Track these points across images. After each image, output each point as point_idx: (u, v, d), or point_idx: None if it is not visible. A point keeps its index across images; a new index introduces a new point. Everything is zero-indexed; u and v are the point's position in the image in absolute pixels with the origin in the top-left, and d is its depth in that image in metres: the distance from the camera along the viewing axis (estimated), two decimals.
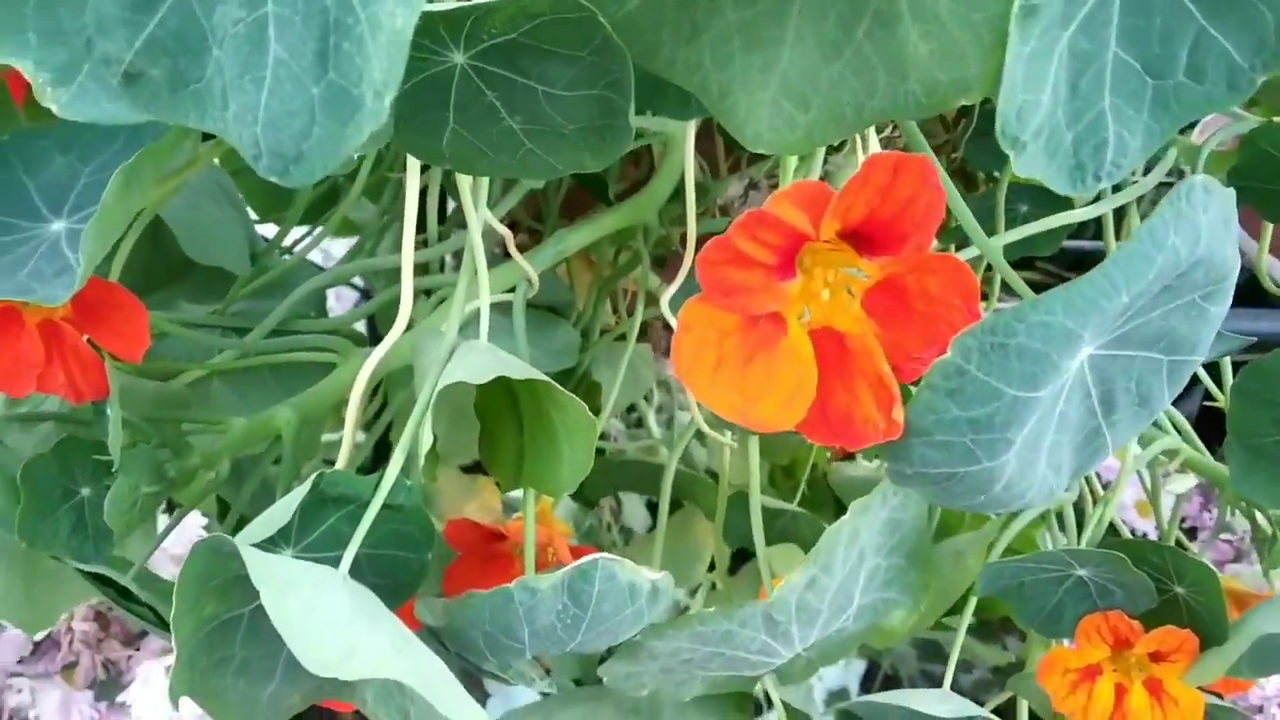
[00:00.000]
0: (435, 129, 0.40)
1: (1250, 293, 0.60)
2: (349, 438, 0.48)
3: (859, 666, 1.26)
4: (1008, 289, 0.54)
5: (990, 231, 0.56)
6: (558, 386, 0.43)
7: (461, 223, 0.72)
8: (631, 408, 0.94)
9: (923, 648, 1.26)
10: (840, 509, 0.81)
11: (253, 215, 0.73)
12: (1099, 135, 0.31)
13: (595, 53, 0.38)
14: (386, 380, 0.66)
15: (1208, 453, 0.60)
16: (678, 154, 0.59)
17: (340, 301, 1.15)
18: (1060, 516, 0.60)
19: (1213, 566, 0.52)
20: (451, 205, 0.73)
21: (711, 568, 0.76)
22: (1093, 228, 0.78)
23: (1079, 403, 0.37)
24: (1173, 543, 0.60)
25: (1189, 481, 0.59)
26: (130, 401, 0.47)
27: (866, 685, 1.22)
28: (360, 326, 0.70)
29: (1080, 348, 0.35)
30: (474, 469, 0.74)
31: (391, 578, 0.45)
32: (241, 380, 0.61)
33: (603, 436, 0.89)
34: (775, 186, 0.69)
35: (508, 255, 0.56)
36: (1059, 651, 0.53)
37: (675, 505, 0.77)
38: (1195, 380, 0.53)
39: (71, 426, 0.50)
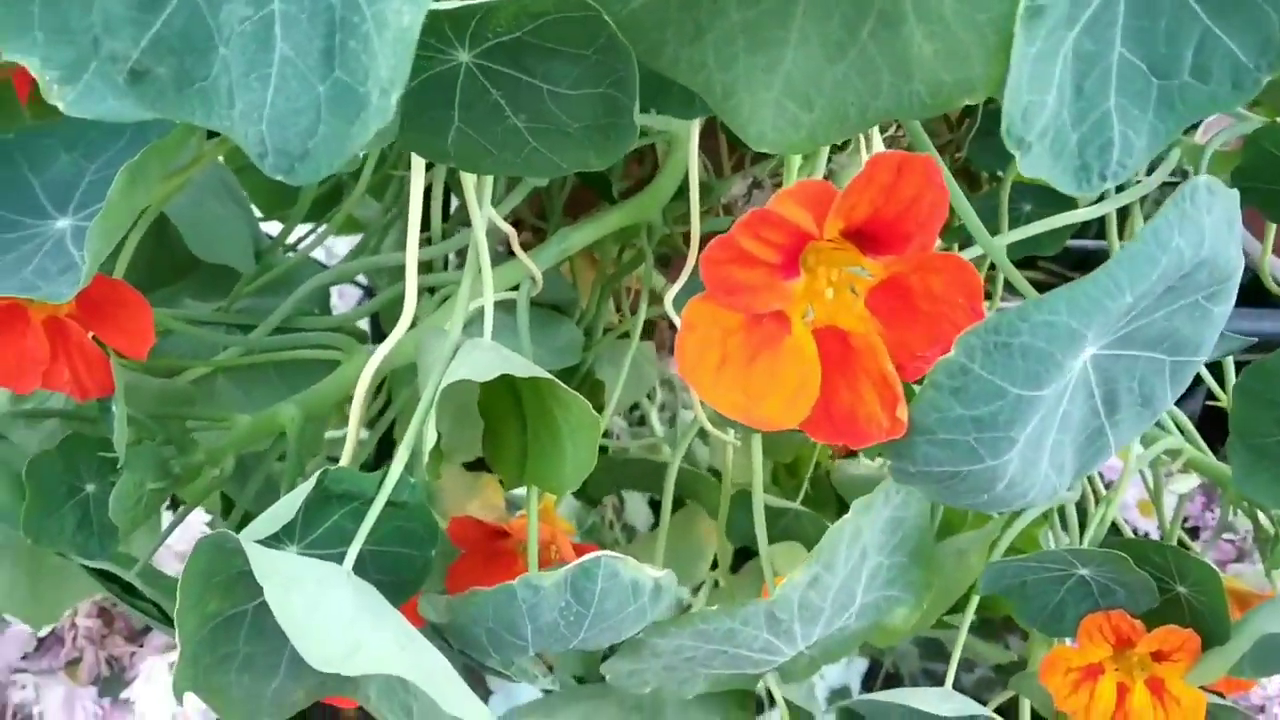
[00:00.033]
0: (440, 127, 0.40)
1: (1253, 293, 0.60)
2: (353, 435, 0.48)
3: (860, 665, 1.26)
4: (1010, 288, 0.54)
5: (994, 231, 0.56)
6: (561, 384, 0.43)
7: (464, 221, 0.72)
8: (634, 406, 0.94)
9: (924, 646, 1.26)
10: (843, 507, 0.81)
11: (256, 213, 0.73)
12: (1104, 135, 0.31)
13: (600, 51, 0.38)
14: (390, 378, 0.66)
15: (1210, 453, 0.60)
16: (682, 152, 0.59)
17: (343, 299, 1.15)
18: (1063, 516, 0.60)
19: (1214, 566, 0.52)
20: (454, 203, 0.73)
21: (714, 566, 0.76)
22: (1095, 227, 0.78)
23: (1082, 402, 0.37)
24: (1175, 542, 0.60)
25: (1192, 481, 0.59)
26: (135, 398, 0.48)
27: (868, 683, 1.22)
28: (363, 324, 0.70)
29: (1084, 347, 0.35)
30: (477, 466, 0.74)
31: (395, 574, 0.45)
32: (246, 377, 0.61)
33: (605, 434, 0.89)
34: (779, 185, 0.69)
35: (511, 253, 0.56)
36: (1061, 650, 0.53)
37: (678, 503, 0.77)
38: (1198, 380, 0.53)
39: (76, 423, 0.50)
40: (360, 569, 0.41)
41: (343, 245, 1.00)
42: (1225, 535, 0.94)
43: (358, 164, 0.63)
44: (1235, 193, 0.36)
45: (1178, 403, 0.43)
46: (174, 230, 0.62)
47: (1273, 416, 0.50)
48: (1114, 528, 0.62)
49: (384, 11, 0.28)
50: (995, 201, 0.62)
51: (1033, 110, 0.30)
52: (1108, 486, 0.63)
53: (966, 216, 0.38)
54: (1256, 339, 0.60)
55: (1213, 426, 0.62)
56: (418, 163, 0.46)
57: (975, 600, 0.56)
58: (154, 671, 0.95)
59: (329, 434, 0.73)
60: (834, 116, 0.36)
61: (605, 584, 0.44)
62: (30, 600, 0.58)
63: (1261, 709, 0.89)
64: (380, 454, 0.71)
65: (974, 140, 0.66)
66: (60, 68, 0.31)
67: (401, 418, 0.66)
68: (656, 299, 0.66)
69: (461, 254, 0.66)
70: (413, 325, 0.47)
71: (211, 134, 0.53)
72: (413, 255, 0.47)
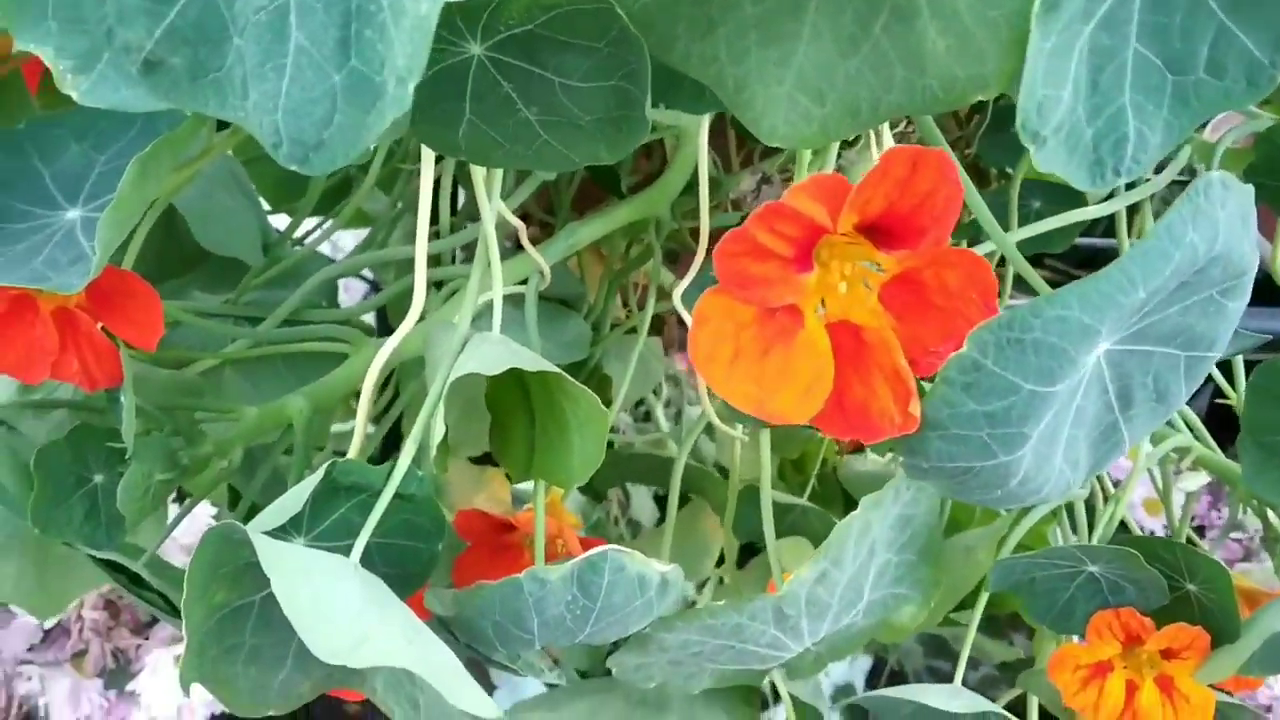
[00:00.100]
0: (451, 120, 0.40)
1: (1265, 291, 0.60)
2: (361, 427, 0.48)
3: (865, 662, 1.26)
4: (1020, 285, 0.54)
5: (1003, 228, 0.56)
6: (570, 378, 0.43)
7: (472, 215, 0.72)
8: (640, 401, 0.94)
9: (928, 643, 1.25)
10: (850, 504, 0.81)
11: (265, 205, 0.73)
12: (1119, 131, 0.31)
13: (612, 44, 0.38)
14: (398, 371, 0.66)
15: (1219, 450, 0.60)
16: (691, 147, 0.59)
17: (348, 293, 1.15)
18: (1071, 514, 0.60)
19: (1224, 564, 0.52)
20: (462, 198, 0.73)
21: (719, 562, 0.76)
22: (1102, 225, 0.77)
23: (1096, 398, 0.37)
24: (1184, 540, 0.60)
25: (1201, 479, 0.59)
26: (143, 389, 0.47)
27: (872, 681, 1.22)
28: (369, 318, 0.70)
29: (1097, 343, 0.35)
30: (483, 460, 0.74)
31: (401, 567, 0.45)
32: (254, 369, 0.61)
33: (611, 430, 0.89)
34: (788, 181, 0.69)
35: (519, 248, 0.56)
36: (1070, 648, 0.53)
37: (683, 499, 0.77)
38: (1206, 377, 0.53)
39: (85, 414, 0.50)
40: (367, 561, 0.41)
41: (348, 239, 1.00)
42: (1232, 534, 0.94)
43: (368, 157, 0.63)
44: (1249, 188, 0.35)
45: (1186, 400, 0.43)
46: (182, 222, 0.62)
47: None
48: (1122, 525, 0.62)
49: (402, 0, 0.28)
50: (1005, 198, 0.62)
51: (1048, 105, 0.30)
52: (1115, 485, 0.63)
53: (979, 211, 0.38)
54: (1269, 337, 0.59)
55: (1219, 424, 0.62)
56: (428, 155, 0.46)
57: (985, 597, 0.56)
58: (160, 664, 0.95)
59: (335, 428, 0.73)
60: (846, 111, 0.36)
61: (612, 578, 0.44)
62: (36, 591, 0.58)
63: (1269, 708, 0.89)
64: (386, 448, 0.71)
65: (983, 137, 0.66)
66: (74, 57, 0.31)
67: (409, 411, 0.66)
68: (664, 295, 0.66)
69: (468, 249, 0.66)
70: (420, 319, 0.47)
71: (221, 126, 0.53)
72: (422, 248, 0.47)
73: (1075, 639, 0.56)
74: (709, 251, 0.54)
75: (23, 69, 0.54)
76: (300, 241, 0.70)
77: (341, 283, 0.92)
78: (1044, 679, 0.54)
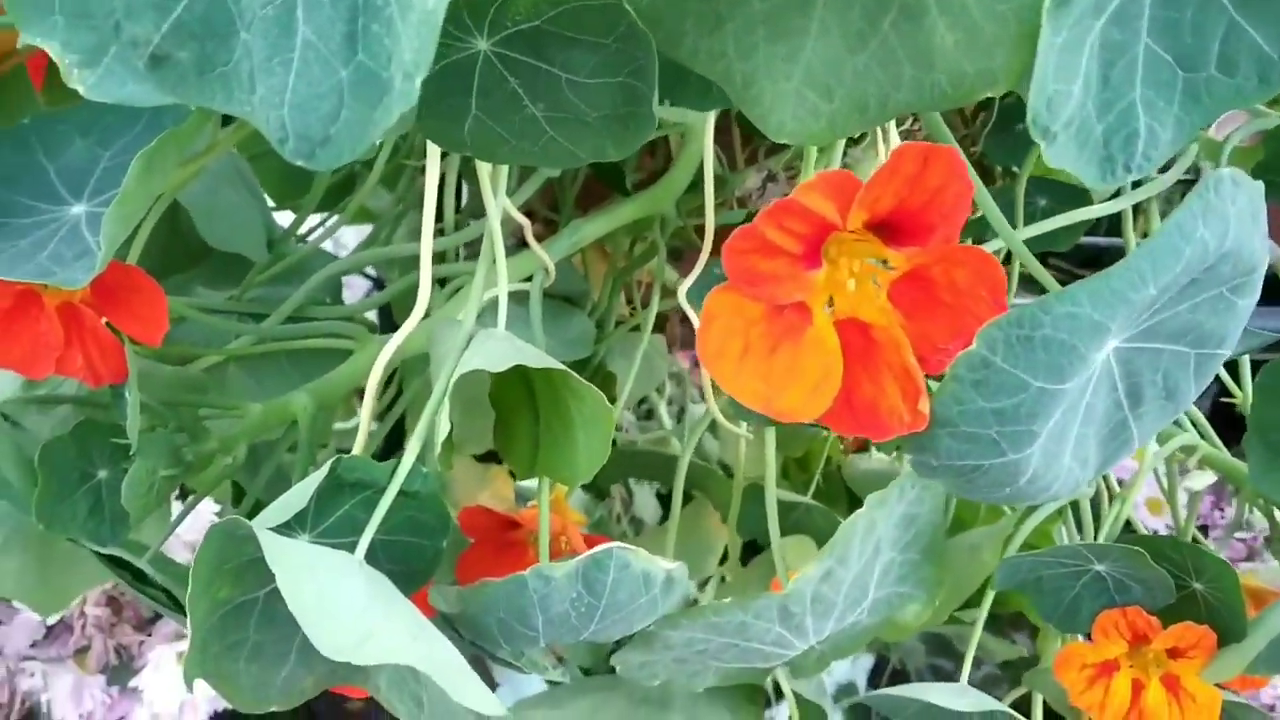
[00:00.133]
0: (457, 116, 0.40)
1: (1273, 289, 0.60)
2: (365, 424, 0.48)
3: (867, 661, 1.26)
4: (1025, 284, 0.54)
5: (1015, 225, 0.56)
6: (575, 375, 0.43)
7: (475, 212, 0.72)
8: (642, 399, 0.94)
9: (930, 642, 1.25)
10: (854, 502, 0.81)
11: (269, 202, 0.73)
12: (1130, 127, 0.31)
13: (619, 40, 0.37)
14: (401, 368, 0.66)
15: (1224, 449, 0.60)
16: (696, 145, 0.59)
17: (350, 290, 1.15)
18: (1077, 513, 0.59)
19: (1230, 564, 0.51)
20: (465, 195, 0.72)
21: (721, 560, 0.76)
22: (1105, 224, 0.77)
23: (1105, 395, 0.36)
24: (1189, 539, 0.60)
25: (1207, 478, 0.59)
26: (147, 385, 0.47)
27: (874, 680, 1.22)
28: (371, 315, 0.70)
29: (1107, 340, 0.35)
30: (486, 458, 0.74)
31: (406, 564, 0.45)
32: (257, 366, 0.61)
33: (614, 427, 0.89)
34: (793, 179, 0.69)
35: (522, 245, 0.56)
36: (1076, 646, 0.53)
37: (686, 497, 0.77)
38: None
39: (89, 409, 0.50)
40: (371, 558, 0.41)
41: (349, 237, 0.99)
42: (1235, 534, 0.94)
43: (373, 153, 0.63)
44: (1260, 184, 0.35)
45: None
46: (186, 218, 0.62)
47: None
48: (1126, 525, 0.62)
49: None
50: (1010, 197, 0.62)
51: (1058, 100, 0.30)
52: (1119, 484, 0.63)
53: (987, 209, 0.38)
54: (1277, 336, 0.59)
55: (1223, 423, 0.62)
56: (433, 152, 0.46)
57: (991, 596, 0.56)
58: (162, 660, 0.95)
59: (337, 425, 0.73)
60: (854, 107, 0.36)
61: (617, 575, 0.44)
62: (39, 587, 0.58)
63: (1272, 708, 0.89)
64: (388, 446, 0.71)
65: (989, 134, 0.66)
66: (81, 52, 0.31)
67: (412, 409, 0.66)
68: (668, 292, 0.66)
69: (470, 246, 0.66)
70: (424, 316, 0.47)
71: (226, 121, 0.53)
72: (428, 245, 0.47)
73: (1077, 638, 0.56)
74: (714, 249, 0.54)
75: (27, 64, 0.54)
76: (304, 238, 0.69)
77: (344, 280, 0.92)
78: (1050, 677, 0.54)
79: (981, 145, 0.67)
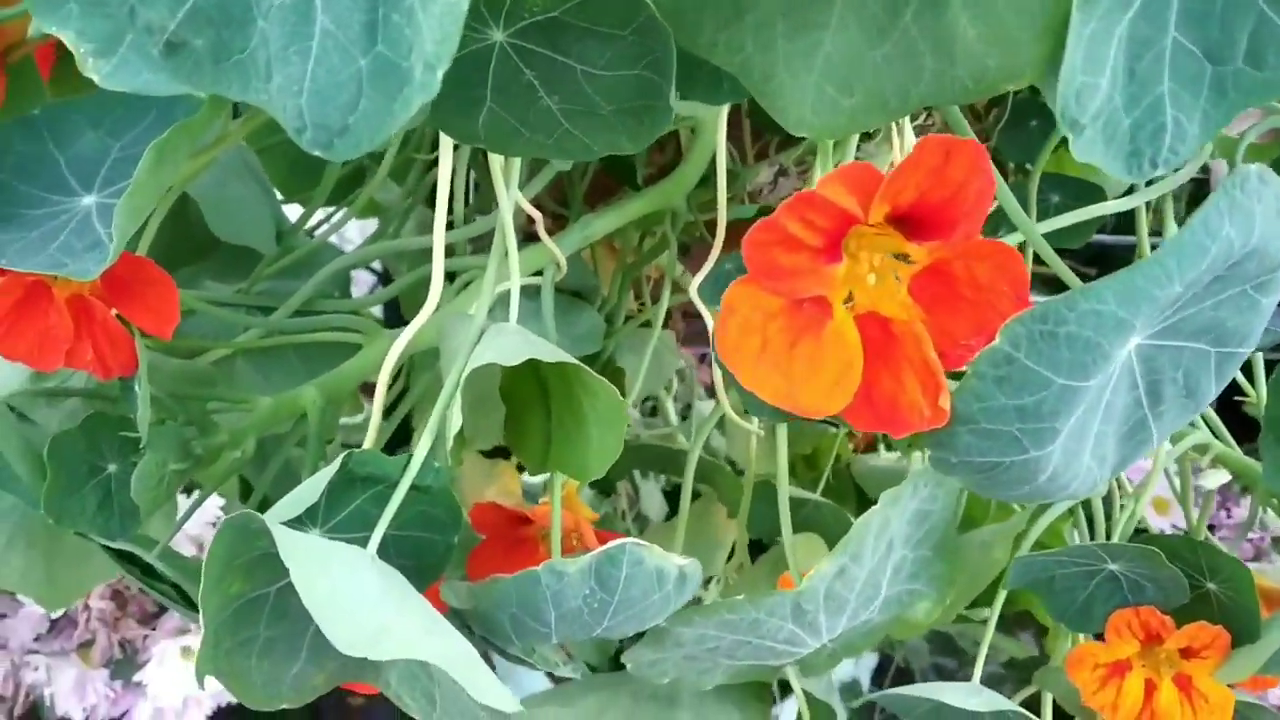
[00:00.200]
0: (472, 108, 0.39)
1: None
2: (376, 418, 0.48)
3: (870, 660, 1.26)
4: (1036, 282, 0.53)
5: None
6: (588, 370, 0.43)
7: (483, 208, 0.72)
8: (647, 396, 0.94)
9: (934, 641, 1.25)
10: (863, 500, 0.81)
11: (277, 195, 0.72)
12: (1157, 120, 0.31)
13: (636, 32, 0.37)
14: (407, 364, 0.66)
15: (1237, 448, 0.59)
16: (707, 139, 0.59)
17: (355, 285, 1.15)
18: (1089, 512, 0.59)
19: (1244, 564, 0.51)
20: (474, 190, 0.72)
21: (729, 558, 0.75)
22: (1112, 221, 0.77)
23: (1125, 393, 0.36)
24: (1202, 539, 0.60)
25: (1221, 477, 0.59)
26: (156, 378, 0.47)
27: (878, 678, 1.22)
28: (375, 310, 0.70)
29: (1130, 337, 0.34)
30: (494, 453, 0.73)
31: (417, 559, 0.45)
32: (265, 359, 0.61)
33: None
34: (804, 173, 0.68)
35: (532, 239, 0.55)
36: (1088, 646, 0.52)
37: (694, 494, 0.77)
38: None
39: (98, 403, 0.50)
40: (383, 553, 0.41)
41: (353, 232, 0.99)
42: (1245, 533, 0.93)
43: (382, 147, 0.62)
44: None
45: None
46: (194, 211, 0.62)
47: None
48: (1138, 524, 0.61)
49: None
50: (1023, 193, 0.62)
51: (1086, 92, 0.30)
52: (1129, 483, 0.62)
53: (1007, 203, 0.38)
54: None
55: (1236, 422, 0.61)
56: (446, 144, 0.45)
57: (1003, 594, 0.55)
58: (167, 655, 0.95)
59: (343, 420, 0.73)
60: (874, 101, 0.36)
61: (630, 571, 0.43)
62: (46, 583, 0.58)
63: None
64: (394, 441, 0.70)
65: (1002, 130, 0.65)
66: (96, 40, 0.31)
67: (420, 404, 0.66)
68: (676, 288, 0.66)
69: (476, 242, 0.65)
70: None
71: (236, 113, 0.52)
72: (439, 239, 0.46)
73: (1082, 638, 0.56)
74: (725, 244, 0.54)
75: (35, 54, 0.53)
76: (312, 232, 0.69)
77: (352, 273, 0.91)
78: (1061, 677, 0.54)
79: (994, 141, 0.67)
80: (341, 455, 0.43)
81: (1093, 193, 0.64)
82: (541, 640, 0.46)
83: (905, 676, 1.24)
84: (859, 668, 1.25)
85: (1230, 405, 0.65)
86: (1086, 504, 0.59)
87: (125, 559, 0.49)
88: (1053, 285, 0.40)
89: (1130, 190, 0.52)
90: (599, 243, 0.65)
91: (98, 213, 0.41)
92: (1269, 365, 0.58)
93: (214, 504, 0.89)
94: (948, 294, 0.34)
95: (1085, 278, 0.37)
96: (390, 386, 0.67)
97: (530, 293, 0.54)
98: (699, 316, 0.58)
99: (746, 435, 0.63)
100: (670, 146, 0.70)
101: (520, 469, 0.72)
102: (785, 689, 0.61)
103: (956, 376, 0.35)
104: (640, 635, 0.49)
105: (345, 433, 0.81)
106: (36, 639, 0.98)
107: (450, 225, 0.65)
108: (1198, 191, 0.76)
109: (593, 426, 0.46)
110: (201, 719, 0.99)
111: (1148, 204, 0.58)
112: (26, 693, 0.95)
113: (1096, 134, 0.30)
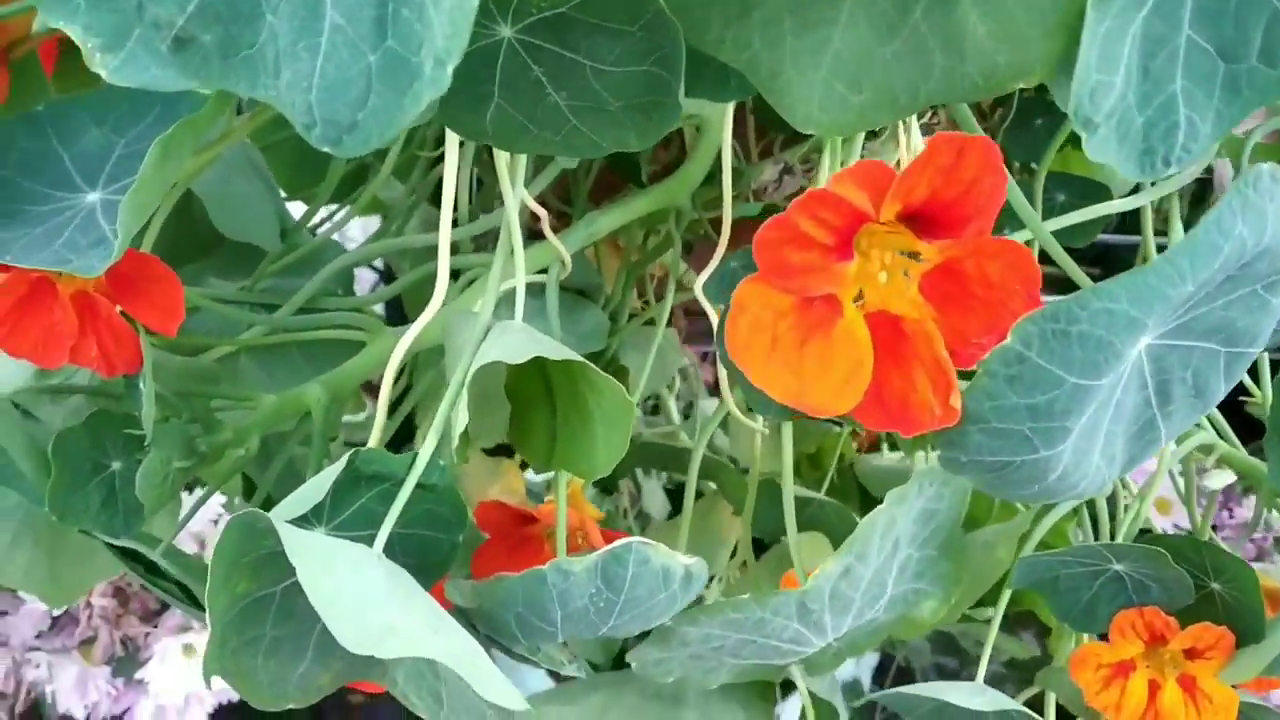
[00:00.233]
0: (479, 104, 0.39)
1: None
2: (381, 416, 0.47)
3: (871, 659, 1.25)
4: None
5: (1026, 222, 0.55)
6: (595, 368, 0.43)
7: (485, 205, 0.71)
8: (650, 394, 0.94)
9: (936, 641, 1.25)
10: (866, 499, 0.81)
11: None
12: (1170, 119, 0.31)
13: (645, 28, 0.37)
14: (412, 361, 0.66)
15: (1242, 448, 0.59)
16: (713, 136, 0.59)
17: (357, 283, 1.14)
18: (1093, 512, 0.59)
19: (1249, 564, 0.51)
20: (477, 188, 0.72)
21: (731, 556, 0.75)
22: (1114, 221, 0.77)
23: (1135, 392, 0.36)
24: (1205, 539, 0.60)
25: (1225, 477, 0.59)
26: (160, 376, 0.47)
27: (879, 678, 1.22)
28: (378, 308, 0.69)
29: (1141, 337, 0.34)
30: (496, 452, 0.73)
31: (422, 558, 0.44)
32: (268, 357, 0.60)
33: None
34: (809, 171, 0.68)
35: (536, 237, 0.55)
36: (1092, 646, 0.52)
37: (697, 492, 0.77)
38: None
39: (102, 400, 0.50)
40: (388, 552, 0.41)
41: (355, 229, 0.99)
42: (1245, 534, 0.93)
43: (388, 143, 0.62)
44: None
45: None
46: (197, 208, 0.61)
47: None
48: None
49: None
50: (1029, 192, 0.62)
51: (1100, 90, 0.30)
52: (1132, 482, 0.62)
53: (1017, 203, 0.38)
54: None
55: (1240, 422, 0.61)
56: (452, 140, 0.45)
57: (1007, 594, 0.55)
58: (168, 652, 0.95)
59: (344, 418, 0.73)
60: (884, 98, 0.35)
61: (636, 570, 0.43)
62: (50, 580, 0.57)
63: None
64: (397, 440, 0.70)
65: (1008, 129, 0.65)
66: (103, 34, 0.30)
67: (424, 402, 0.66)
68: (679, 286, 0.66)
69: (479, 239, 0.65)
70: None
71: (239, 110, 0.52)
72: (446, 236, 0.46)
73: (1089, 637, 0.56)
74: (730, 242, 0.54)
75: (38, 50, 0.53)
76: (315, 230, 0.69)
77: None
78: (1064, 677, 0.54)
79: (1000, 140, 0.67)
80: (348, 453, 0.42)
81: (1098, 192, 0.64)
82: (547, 639, 0.46)
83: (906, 676, 1.23)
84: (860, 667, 1.25)
85: (1233, 405, 0.65)
86: (1091, 504, 0.59)
87: (129, 556, 0.49)
88: (1056, 286, 0.39)
89: (1136, 189, 0.51)
90: (602, 241, 0.65)
91: (102, 209, 0.41)
92: (1275, 366, 0.58)
93: (214, 501, 0.89)
94: (959, 292, 0.34)
95: (1089, 277, 0.37)
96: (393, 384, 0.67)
97: (534, 290, 0.54)
98: (702, 314, 0.58)
99: (750, 434, 0.63)
100: (674, 144, 0.69)
101: (523, 467, 0.72)
102: (786, 688, 0.61)
103: (966, 376, 0.35)
104: (645, 634, 0.49)
105: (347, 430, 0.80)
106: (38, 636, 0.97)
107: (455, 223, 0.64)
108: (1200, 191, 0.76)
109: (599, 425, 0.46)
110: (203, 717, 0.99)
111: (1153, 203, 0.58)
112: (28, 690, 0.95)
113: (1110, 132, 0.30)
